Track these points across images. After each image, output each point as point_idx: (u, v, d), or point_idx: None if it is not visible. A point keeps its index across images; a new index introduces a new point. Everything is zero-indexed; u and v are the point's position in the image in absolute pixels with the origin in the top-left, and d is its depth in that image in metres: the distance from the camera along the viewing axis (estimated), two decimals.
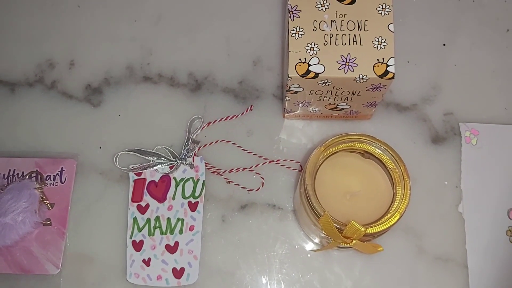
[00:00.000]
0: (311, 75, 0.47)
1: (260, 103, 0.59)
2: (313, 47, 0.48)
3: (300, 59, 0.48)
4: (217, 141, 0.57)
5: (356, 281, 0.53)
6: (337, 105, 0.54)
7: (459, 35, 0.61)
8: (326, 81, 0.48)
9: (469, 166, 0.56)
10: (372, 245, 0.47)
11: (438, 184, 0.56)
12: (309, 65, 0.47)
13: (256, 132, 0.58)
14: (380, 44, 0.48)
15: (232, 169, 0.56)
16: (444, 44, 0.61)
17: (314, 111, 0.55)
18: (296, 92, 0.51)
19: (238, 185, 0.56)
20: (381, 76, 0.47)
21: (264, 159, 0.57)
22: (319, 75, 0.47)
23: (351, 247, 0.48)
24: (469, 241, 0.53)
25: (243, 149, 0.57)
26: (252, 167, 0.56)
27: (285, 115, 0.57)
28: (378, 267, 0.53)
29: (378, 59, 0.47)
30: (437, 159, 0.57)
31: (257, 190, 0.56)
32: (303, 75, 0.47)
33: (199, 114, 0.58)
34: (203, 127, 0.58)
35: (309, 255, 0.53)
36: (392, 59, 0.47)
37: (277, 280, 0.53)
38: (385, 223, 0.43)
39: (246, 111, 0.58)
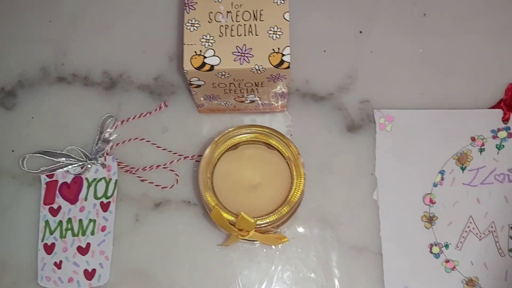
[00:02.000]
0: (207, 67, 0.47)
1: (176, 98, 0.58)
2: (209, 39, 0.47)
3: (195, 51, 0.47)
4: (130, 139, 0.57)
5: (270, 273, 0.52)
6: (246, 98, 0.53)
7: (375, 21, 0.60)
8: (224, 73, 0.47)
9: (384, 153, 0.55)
10: (275, 236, 0.47)
11: (354, 173, 0.55)
12: (205, 57, 0.47)
13: (172, 128, 0.57)
14: (276, 34, 0.47)
15: (146, 167, 0.55)
16: (360, 32, 0.60)
17: (227, 105, 0.55)
18: (199, 86, 0.50)
19: (151, 183, 0.55)
20: (277, 66, 0.46)
21: (179, 155, 0.56)
22: (215, 67, 0.47)
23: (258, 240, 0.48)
24: (383, 228, 0.53)
25: (157, 146, 0.56)
26: (166, 164, 0.56)
27: (200, 109, 0.57)
28: (292, 258, 0.52)
29: (273, 49, 0.47)
30: (352, 148, 0.56)
31: (171, 187, 0.55)
32: (198, 68, 0.47)
33: (114, 113, 0.57)
34: (116, 125, 0.57)
35: (217, 249, 0.52)
36: (288, 48, 0.47)
37: (192, 278, 0.53)
38: (274, 215, 0.42)
39: (160, 107, 0.57)
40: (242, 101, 0.54)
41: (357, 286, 0.52)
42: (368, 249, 0.53)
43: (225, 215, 0.43)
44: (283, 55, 0.47)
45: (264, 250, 0.53)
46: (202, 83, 0.49)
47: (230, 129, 0.47)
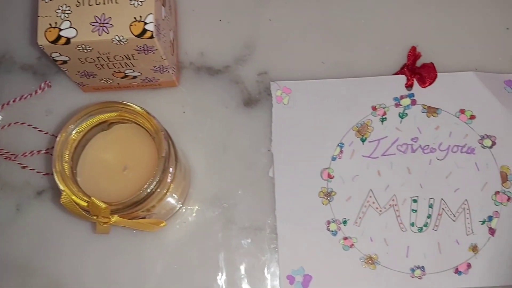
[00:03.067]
0: (63, 40, 0.42)
1: (60, 78, 0.54)
2: (65, 10, 0.43)
3: (50, 24, 0.43)
4: (10, 123, 0.53)
5: (159, 257, 0.49)
6: (125, 73, 0.49)
7: None
8: (84, 46, 0.43)
9: (281, 127, 0.51)
10: (150, 221, 0.44)
11: (250, 150, 0.52)
12: (60, 29, 0.43)
13: (56, 110, 0.53)
14: (138, 1, 0.43)
15: (26, 153, 0.52)
16: None
17: (109, 82, 0.51)
18: (65, 62, 0.46)
19: (33, 169, 0.51)
20: (139, 36, 0.42)
21: None
22: (71, 40, 0.43)
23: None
24: (279, 207, 0.49)
25: (39, 130, 0.53)
26: (48, 149, 0.52)
27: (83, 88, 0.52)
28: (183, 241, 0.49)
29: (135, 17, 0.42)
30: (249, 123, 0.53)
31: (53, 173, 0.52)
32: (53, 42, 0.42)
33: None
34: None
35: (100, 238, 0.49)
36: (151, 16, 0.42)
37: (74, 268, 0.49)
38: (132, 199, 0.39)
39: (41, 88, 0.53)
40: (124, 77, 0.50)
41: (251, 268, 0.48)
42: (263, 229, 0.49)
43: (76, 200, 0.39)
44: (145, 23, 0.42)
45: (152, 234, 0.50)
46: (67, 58, 0.45)
47: (82, 111, 0.42)
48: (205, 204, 0.51)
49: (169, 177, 0.42)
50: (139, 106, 0.41)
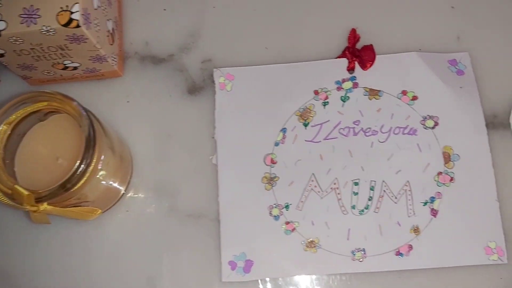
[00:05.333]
0: None
1: (8, 72, 0.55)
2: None
3: None
4: None
5: (104, 246, 0.49)
6: (64, 64, 0.50)
7: None
8: (15, 38, 0.44)
9: (224, 114, 0.51)
10: (84, 210, 0.44)
11: (194, 137, 0.52)
12: None
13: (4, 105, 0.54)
14: None
15: None
16: None
17: (51, 74, 0.51)
18: (2, 55, 0.47)
19: None
20: (65, 25, 0.42)
21: None
22: (2, 32, 0.43)
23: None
24: (222, 193, 0.49)
25: None
26: None
27: (29, 81, 0.53)
28: (126, 231, 0.49)
29: (61, 7, 0.43)
30: (193, 111, 0.53)
31: None
32: None
33: None
34: None
35: (41, 228, 0.49)
36: (77, 5, 0.43)
37: (23, 257, 0.49)
38: (54, 186, 0.39)
39: None
40: (64, 68, 0.50)
41: (193, 255, 0.49)
42: (206, 216, 0.50)
43: (1, 188, 0.40)
44: (71, 12, 0.43)
45: (95, 223, 0.50)
46: (3, 51, 0.45)
47: (7, 104, 0.43)
48: (148, 192, 0.51)
49: (100, 163, 0.42)
50: (55, 91, 0.42)
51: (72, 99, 0.41)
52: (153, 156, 0.52)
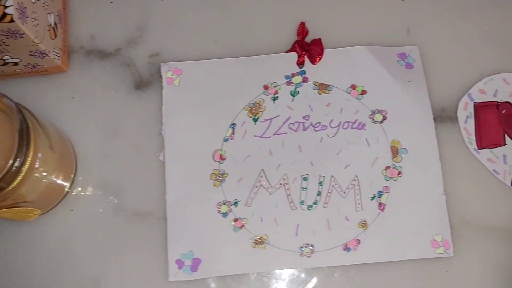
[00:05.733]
0: None
1: None
2: None
3: None
4: None
5: (47, 247, 0.48)
6: (4, 60, 0.48)
7: None
8: None
9: (172, 109, 0.50)
10: (21, 211, 0.43)
11: (141, 134, 0.50)
12: None
13: None
14: None
15: None
16: None
17: None
18: None
19: None
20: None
21: None
22: None
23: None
24: (169, 191, 0.48)
25: None
26: None
27: None
28: (72, 231, 0.48)
29: None
30: (140, 106, 0.51)
31: None
32: None
33: None
34: None
35: None
36: None
37: None
38: None
39: None
40: (4, 64, 0.48)
41: (140, 255, 0.48)
42: (153, 215, 0.49)
43: None
44: (5, 7, 0.41)
45: (38, 223, 0.49)
46: None
47: None
48: (94, 190, 0.49)
49: (37, 161, 0.41)
50: None
51: (3, 95, 0.39)
52: (99, 154, 0.50)
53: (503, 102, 0.49)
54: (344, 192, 0.49)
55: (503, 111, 0.49)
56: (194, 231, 0.48)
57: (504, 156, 0.49)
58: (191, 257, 0.48)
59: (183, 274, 0.47)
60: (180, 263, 0.48)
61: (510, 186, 0.48)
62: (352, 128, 0.50)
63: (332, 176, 0.49)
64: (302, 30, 0.51)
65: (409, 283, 0.47)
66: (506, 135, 0.49)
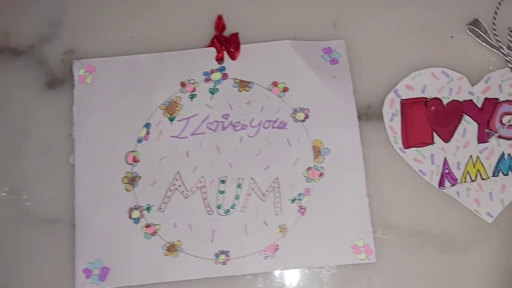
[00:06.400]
0: None
1: None
2: None
3: None
4: None
5: None
6: None
7: None
8: None
9: (83, 109, 0.47)
10: None
11: (51, 135, 0.48)
12: None
13: None
14: None
15: None
16: None
17: None
18: None
19: None
20: None
21: None
22: None
23: None
24: (78, 196, 0.45)
25: None
26: None
27: None
28: None
29: None
30: (52, 106, 0.48)
31: None
32: None
33: None
34: None
35: None
36: None
37: None
38: None
39: None
40: None
41: (47, 263, 0.45)
42: (60, 221, 0.46)
43: None
44: None
45: None
46: None
47: None
48: (0, 194, 0.47)
49: None
50: None
51: None
52: (6, 156, 0.47)
53: (432, 98, 0.47)
54: (264, 195, 0.46)
55: (432, 108, 0.47)
56: (103, 239, 0.45)
57: (432, 155, 0.46)
58: (100, 266, 0.45)
59: (90, 284, 0.44)
60: (87, 272, 0.45)
61: (438, 187, 0.46)
62: (273, 127, 0.47)
63: (251, 178, 0.46)
64: (219, 24, 0.48)
65: None
66: (434, 133, 0.46)
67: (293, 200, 0.46)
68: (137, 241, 0.45)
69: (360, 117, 0.47)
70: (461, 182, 0.45)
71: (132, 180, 0.46)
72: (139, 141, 0.47)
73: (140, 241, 0.45)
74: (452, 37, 0.48)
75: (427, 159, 0.46)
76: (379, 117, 0.47)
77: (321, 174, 0.46)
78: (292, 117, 0.47)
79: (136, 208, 0.46)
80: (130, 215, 0.46)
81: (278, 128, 0.47)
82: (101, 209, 0.46)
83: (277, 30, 0.49)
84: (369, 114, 0.47)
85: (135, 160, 0.47)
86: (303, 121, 0.47)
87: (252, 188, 0.46)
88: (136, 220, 0.46)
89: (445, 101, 0.47)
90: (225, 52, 0.48)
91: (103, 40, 0.50)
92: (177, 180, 0.46)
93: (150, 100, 0.48)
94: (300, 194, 0.46)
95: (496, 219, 0.45)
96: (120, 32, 0.50)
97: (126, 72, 0.48)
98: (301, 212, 0.45)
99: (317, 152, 0.47)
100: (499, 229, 0.45)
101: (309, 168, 0.46)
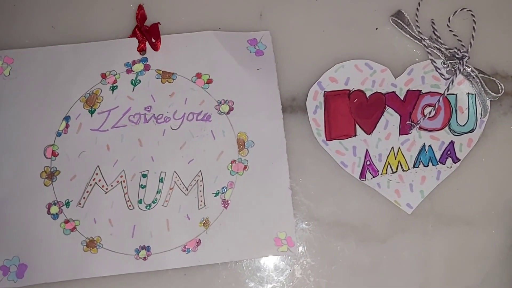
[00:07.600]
0: None
1: None
2: None
3: None
4: None
5: None
6: None
7: None
8: None
9: (0, 102, 0.46)
10: None
11: None
12: None
13: None
14: None
15: None
16: None
17: None
18: None
19: None
20: None
21: None
22: None
23: None
24: None
25: None
26: None
27: None
28: None
29: None
30: None
31: None
32: None
33: None
34: None
35: None
36: None
37: None
38: None
39: None
40: None
41: None
42: None
43: None
44: None
45: None
46: None
47: None
48: None
49: None
50: None
51: None
52: None
53: (355, 90, 0.47)
54: (187, 189, 0.45)
55: (355, 100, 0.47)
56: (20, 235, 0.44)
57: (354, 147, 0.46)
58: (17, 262, 0.43)
59: (7, 281, 0.43)
60: (4, 270, 0.43)
61: (359, 179, 0.46)
62: (197, 120, 0.46)
63: (174, 172, 0.45)
64: (139, 13, 0.47)
65: (253, 284, 0.45)
66: (357, 125, 0.47)
67: (217, 194, 0.45)
68: (55, 237, 0.44)
69: (284, 109, 0.47)
70: (382, 174, 0.46)
71: (51, 175, 0.45)
72: (58, 134, 0.46)
73: (59, 237, 0.44)
74: (376, 28, 0.49)
75: (349, 151, 0.46)
76: (304, 109, 0.47)
77: (245, 167, 0.46)
78: (216, 109, 0.46)
79: (54, 204, 0.45)
80: (49, 210, 0.44)
81: (202, 120, 0.46)
82: (18, 205, 0.44)
83: (203, 20, 0.48)
84: (294, 107, 0.47)
85: (54, 154, 0.45)
86: (228, 113, 0.46)
87: (175, 182, 0.45)
88: (55, 216, 0.44)
89: (368, 93, 0.47)
90: (147, 43, 0.47)
91: (21, 31, 0.48)
92: (97, 174, 0.45)
93: (69, 92, 0.46)
94: (223, 187, 0.45)
95: (416, 209, 0.46)
96: (40, 22, 0.48)
97: (45, 63, 0.47)
98: (225, 205, 0.45)
99: (242, 144, 0.46)
100: (418, 220, 0.46)
101: (233, 161, 0.46)
